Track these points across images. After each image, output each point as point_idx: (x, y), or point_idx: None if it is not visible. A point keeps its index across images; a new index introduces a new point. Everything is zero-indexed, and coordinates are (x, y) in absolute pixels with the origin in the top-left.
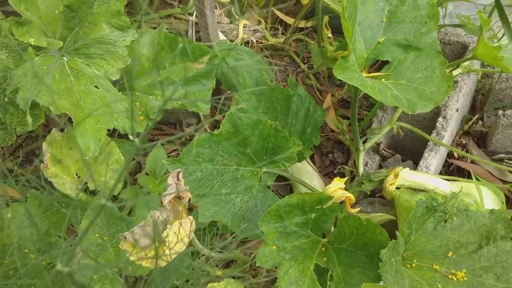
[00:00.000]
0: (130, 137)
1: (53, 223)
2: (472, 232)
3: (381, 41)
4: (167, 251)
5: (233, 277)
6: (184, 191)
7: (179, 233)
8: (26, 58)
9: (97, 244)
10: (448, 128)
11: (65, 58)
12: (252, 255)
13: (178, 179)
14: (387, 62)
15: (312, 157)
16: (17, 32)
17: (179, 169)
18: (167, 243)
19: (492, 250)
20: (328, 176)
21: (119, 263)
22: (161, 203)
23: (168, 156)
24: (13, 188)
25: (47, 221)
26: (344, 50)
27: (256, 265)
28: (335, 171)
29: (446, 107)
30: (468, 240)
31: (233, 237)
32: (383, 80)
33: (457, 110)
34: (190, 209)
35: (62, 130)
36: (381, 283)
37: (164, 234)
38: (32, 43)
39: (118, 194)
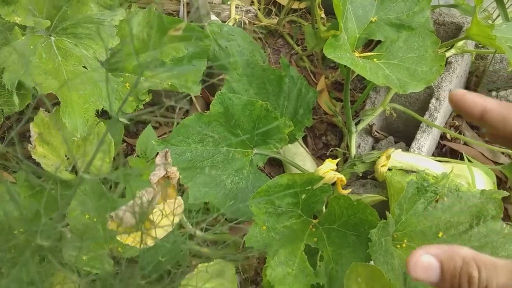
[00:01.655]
0: (120, 118)
1: (42, 204)
2: (462, 212)
3: (373, 20)
4: (154, 231)
5: (225, 258)
6: (173, 171)
7: (167, 213)
8: (13, 38)
9: (87, 225)
10: (441, 110)
11: (52, 37)
12: (245, 237)
13: (166, 159)
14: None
15: (305, 140)
16: (3, 11)
17: (166, 149)
18: (154, 223)
19: (482, 230)
20: (321, 158)
21: (101, 238)
22: (150, 183)
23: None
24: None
25: (37, 202)
26: (336, 30)
27: (246, 246)
28: (328, 153)
29: (439, 88)
30: (458, 221)
31: (225, 219)
32: (375, 60)
33: (450, 91)
34: (182, 192)
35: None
36: (371, 263)
37: (152, 214)
38: (18, 23)
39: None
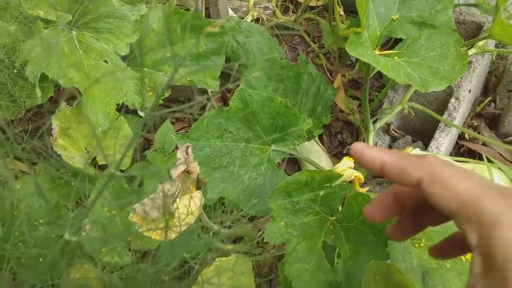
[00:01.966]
0: (139, 113)
1: (62, 196)
2: None
3: (395, 18)
4: (177, 224)
5: (242, 253)
6: (193, 166)
7: (189, 206)
8: (35, 31)
9: (106, 218)
10: (460, 109)
11: (74, 32)
12: (260, 233)
13: (187, 154)
14: (398, 42)
15: (321, 138)
16: (26, 5)
17: (188, 144)
18: (177, 216)
19: None
20: (336, 156)
21: (127, 233)
22: (170, 177)
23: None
24: (22, 162)
25: (57, 194)
26: (357, 27)
27: (264, 241)
28: (344, 151)
29: (459, 87)
30: None
31: (242, 215)
32: (396, 58)
33: (469, 91)
34: (198, 188)
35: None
36: (389, 261)
37: (174, 207)
38: (41, 16)
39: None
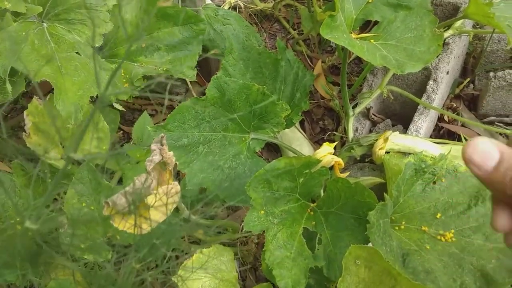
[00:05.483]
0: (115, 105)
1: (39, 194)
2: (461, 193)
3: (370, 1)
4: (150, 216)
5: (223, 244)
6: (169, 156)
7: (164, 199)
8: (4, 24)
9: (84, 214)
10: (439, 91)
11: (44, 24)
12: (243, 224)
13: (161, 144)
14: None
15: (302, 124)
16: None
17: (162, 134)
18: (149, 208)
19: (480, 210)
20: (318, 143)
21: (102, 224)
22: (146, 170)
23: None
24: None
25: (33, 191)
26: (332, 11)
27: (244, 230)
28: (325, 138)
29: (437, 69)
30: (457, 201)
31: (223, 205)
32: (372, 41)
33: (447, 73)
34: (179, 180)
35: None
36: (369, 245)
37: (148, 199)
38: (9, 9)
39: (105, 164)
